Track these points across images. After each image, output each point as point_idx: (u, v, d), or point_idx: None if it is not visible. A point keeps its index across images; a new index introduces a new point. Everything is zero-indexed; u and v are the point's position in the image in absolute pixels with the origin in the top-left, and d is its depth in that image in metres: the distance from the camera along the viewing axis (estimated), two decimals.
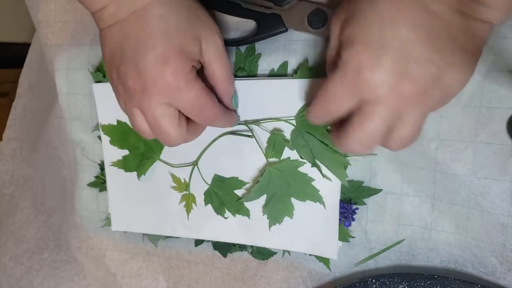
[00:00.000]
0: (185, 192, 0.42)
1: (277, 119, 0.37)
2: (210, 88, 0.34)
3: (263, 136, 0.38)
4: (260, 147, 0.38)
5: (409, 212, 0.37)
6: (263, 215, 0.39)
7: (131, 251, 0.48)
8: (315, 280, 0.41)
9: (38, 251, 0.53)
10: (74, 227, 0.50)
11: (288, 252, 0.42)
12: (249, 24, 0.39)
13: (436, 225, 0.36)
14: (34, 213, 0.54)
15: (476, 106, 0.33)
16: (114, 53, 0.30)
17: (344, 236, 0.38)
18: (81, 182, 0.48)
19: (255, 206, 0.39)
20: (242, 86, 0.38)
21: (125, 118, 0.42)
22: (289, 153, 0.38)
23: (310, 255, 0.40)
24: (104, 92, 0.43)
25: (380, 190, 0.37)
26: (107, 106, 0.43)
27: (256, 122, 0.38)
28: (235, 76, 0.39)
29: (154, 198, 0.43)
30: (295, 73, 0.37)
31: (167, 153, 0.42)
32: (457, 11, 0.23)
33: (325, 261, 0.40)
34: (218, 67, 0.33)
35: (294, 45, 0.38)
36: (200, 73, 0.33)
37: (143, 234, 0.47)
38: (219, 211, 0.41)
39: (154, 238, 0.46)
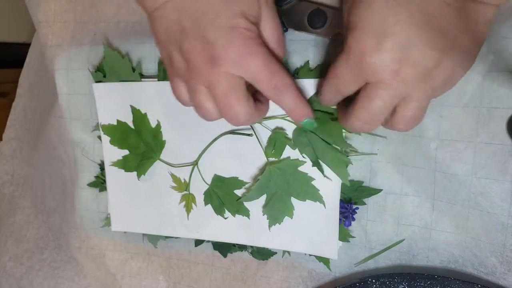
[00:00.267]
0: (185, 192, 0.42)
1: (281, 117, 0.37)
2: None
3: (265, 134, 0.38)
4: (260, 145, 0.38)
5: (409, 212, 0.37)
6: (263, 215, 0.39)
7: (131, 251, 0.48)
8: (315, 280, 0.41)
9: (38, 251, 0.53)
10: (74, 227, 0.50)
11: (288, 252, 0.42)
12: None
13: (436, 225, 0.36)
14: (34, 213, 0.54)
15: (476, 106, 0.33)
16: (172, 32, 0.29)
17: (344, 236, 0.38)
18: (81, 182, 0.48)
19: (255, 206, 0.39)
20: None
21: (125, 118, 0.42)
22: (289, 153, 0.38)
23: (310, 255, 0.40)
24: (104, 92, 0.43)
25: (380, 190, 0.37)
26: (107, 106, 0.43)
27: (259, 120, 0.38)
28: None
29: (154, 198, 0.43)
30: (296, 74, 0.37)
31: (167, 153, 0.42)
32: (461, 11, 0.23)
33: (325, 261, 0.40)
34: (271, 29, 0.31)
35: (294, 45, 0.38)
36: None
37: (143, 234, 0.47)
38: (219, 211, 0.41)
39: (153, 239, 0.46)
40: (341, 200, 0.37)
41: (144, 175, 0.43)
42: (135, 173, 0.43)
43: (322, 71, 0.37)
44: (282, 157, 0.38)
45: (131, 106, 0.42)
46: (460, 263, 0.36)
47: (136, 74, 0.42)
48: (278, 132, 0.37)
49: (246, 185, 0.40)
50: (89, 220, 0.49)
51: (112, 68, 0.42)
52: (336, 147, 0.36)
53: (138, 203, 0.44)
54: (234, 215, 0.40)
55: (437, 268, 0.37)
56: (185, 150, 0.41)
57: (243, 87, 0.30)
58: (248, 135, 0.39)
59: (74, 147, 0.47)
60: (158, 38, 0.31)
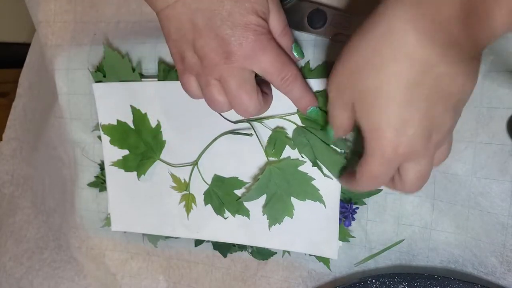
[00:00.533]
0: (185, 192, 0.42)
1: (280, 116, 0.37)
2: None
3: (265, 134, 0.38)
4: (261, 144, 0.38)
5: (409, 212, 0.37)
6: (263, 215, 0.39)
7: (131, 251, 0.48)
8: (315, 280, 0.41)
9: (38, 251, 0.53)
10: (74, 227, 0.50)
11: (288, 252, 0.42)
12: None
13: (436, 225, 0.36)
14: (34, 213, 0.54)
15: (476, 106, 0.33)
16: (184, 30, 0.30)
17: (344, 236, 0.38)
18: (81, 182, 0.48)
19: (255, 206, 0.39)
20: None
21: (125, 118, 0.42)
22: (289, 152, 0.38)
23: (310, 255, 0.40)
24: (104, 92, 0.43)
25: (380, 190, 0.37)
26: (107, 106, 0.43)
27: (259, 119, 0.38)
28: None
29: (154, 198, 0.43)
30: None
31: (167, 153, 0.42)
32: (457, 62, 0.24)
33: (325, 261, 0.40)
34: (277, 21, 0.32)
35: (298, 40, 0.38)
36: None
37: (143, 234, 0.47)
38: (219, 211, 0.41)
39: (153, 239, 0.46)
40: (341, 200, 0.37)
41: (144, 175, 0.43)
42: (135, 173, 0.43)
43: (322, 71, 0.37)
44: (282, 156, 0.38)
45: (131, 106, 0.42)
46: (460, 263, 0.36)
47: (136, 74, 0.42)
48: (278, 132, 0.37)
49: (246, 185, 0.40)
50: (89, 220, 0.49)
51: (112, 68, 0.42)
52: (335, 148, 0.36)
53: (138, 203, 0.44)
54: (234, 215, 0.40)
55: (437, 268, 0.37)
56: (185, 150, 0.41)
57: (253, 81, 0.32)
58: (248, 135, 0.39)
59: (74, 147, 0.47)
60: (169, 36, 0.31)
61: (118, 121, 0.43)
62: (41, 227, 0.54)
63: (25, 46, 0.53)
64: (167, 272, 0.47)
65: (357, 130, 0.29)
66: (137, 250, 0.48)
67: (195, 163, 0.41)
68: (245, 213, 0.40)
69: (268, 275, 0.43)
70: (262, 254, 0.42)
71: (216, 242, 0.43)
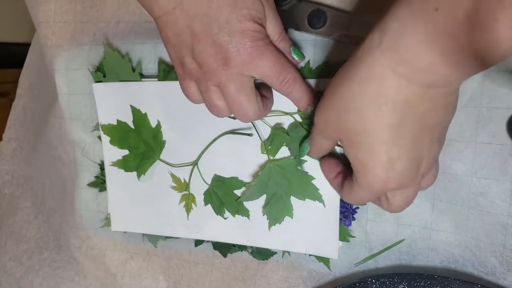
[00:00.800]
0: (185, 192, 0.42)
1: (282, 113, 0.37)
2: None
3: (265, 130, 0.38)
4: (260, 139, 0.38)
5: (409, 212, 0.37)
6: (263, 215, 0.39)
7: (131, 251, 0.48)
8: (315, 280, 0.41)
9: (38, 251, 0.53)
10: (74, 227, 0.50)
11: (288, 252, 0.42)
12: None
13: (436, 225, 0.36)
14: (34, 213, 0.54)
15: (476, 106, 0.33)
16: (183, 36, 0.30)
17: (344, 235, 0.38)
18: (81, 182, 0.48)
19: (255, 206, 0.39)
20: None
21: (125, 118, 0.42)
22: (289, 152, 0.38)
23: (310, 255, 0.40)
24: (104, 92, 0.43)
25: None
26: (107, 106, 0.43)
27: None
28: None
29: (154, 198, 0.43)
30: None
31: (167, 153, 0.42)
32: (437, 100, 0.25)
33: (325, 261, 0.40)
34: (274, 25, 0.32)
35: (296, 43, 0.38)
36: None
37: (143, 234, 0.47)
38: (218, 211, 0.41)
39: (153, 239, 0.46)
40: (341, 200, 0.37)
41: (144, 175, 0.43)
42: (135, 173, 0.43)
43: (323, 71, 0.37)
44: (282, 156, 0.38)
45: (131, 106, 0.42)
46: (460, 263, 0.36)
47: (136, 74, 0.42)
48: (277, 128, 0.38)
49: (246, 185, 0.40)
50: (89, 220, 0.49)
51: (112, 68, 0.42)
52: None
53: (138, 203, 0.44)
54: (234, 215, 0.40)
55: (437, 268, 0.37)
56: (185, 150, 0.41)
57: (252, 86, 0.32)
58: (248, 135, 0.39)
59: (74, 147, 0.47)
60: (168, 42, 0.32)
61: (118, 121, 0.43)
62: (41, 227, 0.54)
63: (25, 46, 0.53)
64: (167, 272, 0.47)
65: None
66: (137, 250, 0.48)
67: (195, 163, 0.41)
68: (245, 213, 0.40)
69: (268, 275, 0.43)
70: (262, 254, 0.42)
71: (216, 242, 0.43)
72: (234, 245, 0.43)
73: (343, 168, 0.35)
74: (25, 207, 0.55)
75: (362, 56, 0.25)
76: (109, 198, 0.45)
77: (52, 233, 0.53)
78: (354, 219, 0.38)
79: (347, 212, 0.38)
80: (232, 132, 0.39)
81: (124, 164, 0.43)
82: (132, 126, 0.42)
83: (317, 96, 0.36)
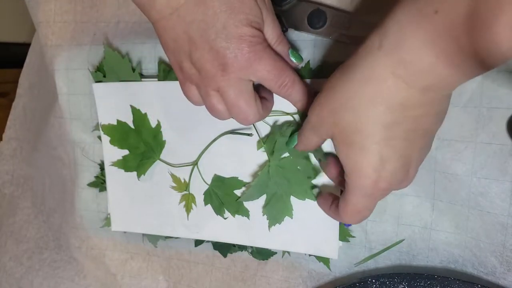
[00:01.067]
0: (185, 192, 0.42)
1: (281, 111, 0.37)
2: None
3: (265, 131, 0.38)
4: (260, 139, 0.38)
5: (409, 212, 0.37)
6: (263, 215, 0.39)
7: (131, 251, 0.48)
8: (315, 280, 0.41)
9: (38, 251, 0.53)
10: (74, 227, 0.50)
11: (288, 252, 0.42)
12: None
13: (436, 225, 0.36)
14: (34, 213, 0.54)
15: (476, 106, 0.33)
16: (181, 41, 0.30)
17: (344, 236, 0.38)
18: (81, 182, 0.48)
19: (255, 206, 0.39)
20: None
21: (125, 118, 0.42)
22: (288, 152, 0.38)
23: (310, 255, 0.40)
24: (104, 92, 0.43)
25: None
26: (107, 106, 0.43)
27: None
28: None
29: (154, 198, 0.43)
30: None
31: (167, 153, 0.42)
32: (433, 104, 0.26)
33: (325, 261, 0.40)
34: (272, 29, 0.32)
35: (294, 45, 0.38)
36: None
37: (143, 234, 0.47)
38: (218, 211, 0.41)
39: (153, 239, 0.46)
40: None
41: (144, 175, 0.43)
42: (135, 173, 0.43)
43: (322, 71, 0.37)
44: (283, 156, 0.38)
45: (131, 106, 0.42)
46: (460, 263, 0.36)
47: (136, 74, 0.42)
48: (274, 126, 0.38)
49: (246, 185, 0.40)
50: (89, 220, 0.49)
51: (112, 68, 0.42)
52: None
53: (138, 203, 0.44)
54: (234, 215, 0.40)
55: (437, 268, 0.37)
56: (185, 150, 0.41)
57: (251, 90, 0.32)
58: (248, 135, 0.39)
59: (74, 147, 0.47)
60: (167, 47, 0.32)
61: (118, 121, 0.43)
62: (41, 227, 0.54)
63: (25, 46, 0.53)
64: (167, 272, 0.47)
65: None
66: (137, 250, 0.48)
67: (195, 163, 0.41)
68: (245, 213, 0.40)
69: (268, 275, 0.43)
70: (262, 254, 0.42)
71: (216, 242, 0.43)
72: (234, 245, 0.43)
73: (336, 197, 0.35)
74: (25, 207, 0.55)
75: (362, 57, 0.26)
76: (109, 198, 0.45)
77: (52, 233, 0.53)
78: None
79: None
80: (232, 132, 0.39)
81: (124, 164, 0.43)
82: (132, 126, 0.42)
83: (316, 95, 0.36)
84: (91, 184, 0.47)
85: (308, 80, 0.36)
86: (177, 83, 0.35)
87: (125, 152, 0.43)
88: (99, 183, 0.47)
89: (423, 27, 0.22)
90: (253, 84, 0.32)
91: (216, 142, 0.40)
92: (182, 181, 0.42)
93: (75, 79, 0.45)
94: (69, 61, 0.45)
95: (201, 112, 0.37)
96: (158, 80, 0.41)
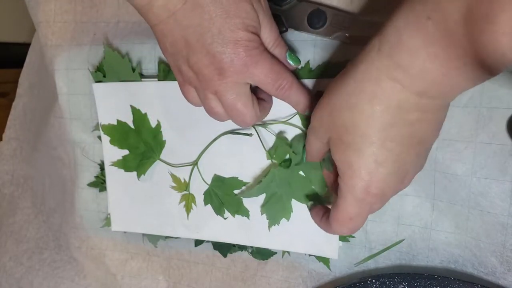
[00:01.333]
0: (185, 192, 0.42)
1: (283, 121, 0.37)
2: None
3: (269, 138, 0.38)
4: (263, 145, 0.38)
5: (409, 212, 0.37)
6: (262, 214, 0.39)
7: (131, 251, 0.48)
8: (315, 280, 0.41)
9: (38, 251, 0.53)
10: (74, 227, 0.50)
11: (288, 252, 0.42)
12: None
13: (436, 225, 0.36)
14: (34, 213, 0.54)
15: (476, 106, 0.33)
16: (178, 45, 0.30)
17: (344, 236, 0.38)
18: (81, 182, 0.48)
19: (255, 206, 0.39)
20: None
21: (125, 118, 0.42)
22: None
23: (310, 255, 0.40)
24: (104, 92, 0.43)
25: None
26: (107, 106, 0.43)
27: (263, 124, 0.38)
28: None
29: (154, 198, 0.43)
30: (297, 74, 0.37)
31: (167, 153, 0.42)
32: (429, 111, 0.25)
33: (325, 261, 0.40)
34: (269, 32, 0.32)
35: (294, 45, 0.38)
36: None
37: (143, 234, 0.47)
38: (218, 211, 0.41)
39: (153, 239, 0.46)
40: None
41: (144, 175, 0.43)
42: (135, 173, 0.43)
43: (322, 71, 0.37)
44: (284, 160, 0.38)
45: (131, 106, 0.42)
46: (460, 263, 0.36)
47: (136, 74, 0.42)
48: (280, 138, 0.37)
49: (247, 185, 0.40)
50: (89, 220, 0.49)
51: (112, 68, 0.42)
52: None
53: (138, 203, 0.44)
54: (234, 215, 0.40)
55: (437, 268, 0.37)
56: (185, 150, 0.41)
57: (248, 92, 0.32)
58: (248, 135, 0.39)
59: (74, 147, 0.47)
60: (166, 50, 0.32)
61: (118, 121, 0.43)
62: (41, 227, 0.54)
63: (25, 46, 0.53)
64: (167, 272, 0.47)
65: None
66: (137, 250, 0.48)
67: (195, 163, 0.41)
68: (245, 213, 0.40)
69: (268, 275, 0.43)
70: (262, 254, 0.42)
71: (216, 242, 0.43)
72: (234, 245, 0.43)
73: (328, 209, 0.35)
74: (25, 207, 0.55)
75: (362, 59, 0.26)
76: (109, 198, 0.45)
77: (52, 233, 0.53)
78: None
79: None
80: (232, 132, 0.39)
81: (124, 164, 0.43)
82: (132, 126, 0.42)
83: (316, 96, 0.36)
84: (91, 184, 0.47)
85: (308, 80, 0.36)
86: (177, 83, 0.35)
87: (125, 152, 0.43)
88: (99, 183, 0.47)
89: (418, 32, 0.23)
90: (251, 86, 0.32)
91: (216, 142, 0.40)
92: (182, 181, 0.42)
93: (75, 79, 0.45)
94: (69, 61, 0.45)
95: (201, 112, 0.37)
96: (158, 80, 0.41)
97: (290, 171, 0.37)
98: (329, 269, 0.40)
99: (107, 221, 0.47)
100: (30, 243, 0.54)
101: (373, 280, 0.37)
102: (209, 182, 0.41)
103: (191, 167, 0.41)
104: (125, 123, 0.42)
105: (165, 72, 0.41)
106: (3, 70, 0.92)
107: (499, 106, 0.32)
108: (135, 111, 0.42)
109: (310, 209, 0.37)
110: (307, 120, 0.37)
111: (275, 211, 0.38)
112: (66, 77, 0.45)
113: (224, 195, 0.40)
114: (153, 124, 0.42)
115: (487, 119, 0.33)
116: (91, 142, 0.47)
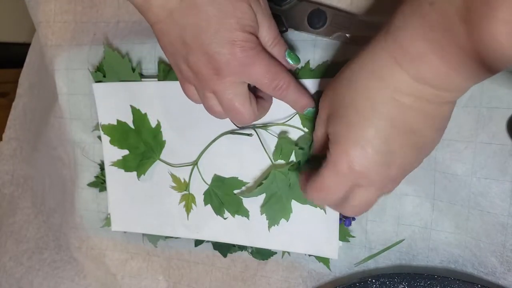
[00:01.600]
0: (185, 192, 0.42)
1: (283, 122, 0.37)
2: None
3: (270, 140, 0.38)
4: (263, 146, 0.38)
5: (409, 212, 0.37)
6: (261, 214, 0.39)
7: (131, 251, 0.48)
8: (315, 280, 0.41)
9: (38, 251, 0.53)
10: (74, 227, 0.50)
11: (288, 252, 0.42)
12: None
13: (436, 225, 0.36)
14: (34, 213, 0.54)
15: (476, 106, 0.33)
16: (177, 44, 0.31)
17: (344, 236, 0.38)
18: (81, 182, 0.48)
19: (255, 206, 0.39)
20: None
21: (125, 118, 0.42)
22: (292, 157, 0.38)
23: (310, 255, 0.40)
24: (104, 92, 0.43)
25: None
26: (107, 106, 0.43)
27: (264, 126, 0.38)
28: None
29: (154, 198, 0.43)
30: (297, 74, 0.37)
31: (167, 153, 0.42)
32: (425, 100, 0.26)
33: (325, 261, 0.40)
34: (267, 31, 0.32)
35: (294, 45, 0.38)
36: None
37: (143, 234, 0.47)
38: (218, 211, 0.41)
39: (153, 239, 0.46)
40: None
41: (144, 175, 0.43)
42: (135, 173, 0.43)
43: (322, 71, 0.37)
44: (289, 160, 0.38)
45: (131, 106, 0.42)
46: (460, 263, 0.36)
47: (136, 74, 0.42)
48: (283, 138, 0.37)
49: (247, 185, 0.40)
50: (89, 220, 0.49)
51: (112, 68, 0.42)
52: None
53: (138, 203, 0.44)
54: (233, 216, 0.40)
55: (437, 268, 0.37)
56: (185, 150, 0.41)
57: (246, 92, 0.32)
58: (248, 135, 0.39)
59: (74, 147, 0.47)
60: (165, 49, 0.32)
61: (118, 121, 0.43)
62: (41, 227, 0.54)
63: (25, 46, 0.53)
64: (167, 272, 0.47)
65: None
66: (137, 250, 0.48)
67: (195, 163, 0.41)
68: (245, 213, 0.40)
69: (268, 275, 0.43)
70: (262, 254, 0.42)
71: (216, 242, 0.43)
72: (234, 245, 0.43)
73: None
74: (25, 207, 0.55)
75: (370, 42, 0.27)
76: (109, 198, 0.45)
77: (52, 233, 0.53)
78: (354, 219, 0.38)
79: None
80: (232, 132, 0.39)
81: (124, 164, 0.43)
82: (132, 126, 0.42)
83: (316, 96, 0.36)
84: (91, 184, 0.47)
85: (308, 80, 0.36)
86: (177, 83, 0.35)
87: (125, 152, 0.43)
88: (99, 183, 0.47)
89: (420, 17, 0.23)
90: (249, 85, 0.32)
91: (216, 142, 0.40)
92: (182, 181, 0.42)
93: (75, 79, 0.45)
94: (69, 61, 0.45)
95: (201, 112, 0.37)
96: (158, 80, 0.41)
97: (290, 172, 0.37)
98: (329, 269, 0.40)
99: (107, 221, 0.47)
100: (30, 243, 0.54)
101: (373, 280, 0.37)
102: (209, 182, 0.41)
103: (191, 167, 0.41)
104: (125, 123, 0.42)
105: (165, 72, 0.41)
106: (3, 70, 0.92)
107: (499, 106, 0.32)
108: (135, 111, 0.42)
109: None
110: (307, 120, 0.37)
111: (275, 212, 0.39)
112: (66, 77, 0.45)
113: (224, 195, 0.40)
114: (153, 124, 0.42)
115: (487, 119, 0.33)
116: (91, 142, 0.47)
